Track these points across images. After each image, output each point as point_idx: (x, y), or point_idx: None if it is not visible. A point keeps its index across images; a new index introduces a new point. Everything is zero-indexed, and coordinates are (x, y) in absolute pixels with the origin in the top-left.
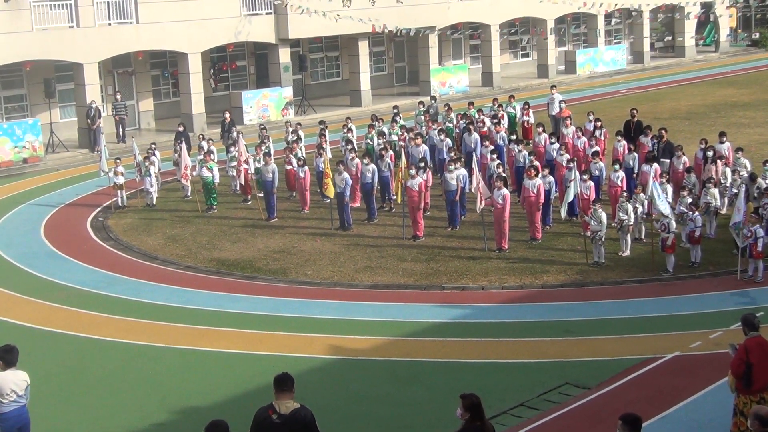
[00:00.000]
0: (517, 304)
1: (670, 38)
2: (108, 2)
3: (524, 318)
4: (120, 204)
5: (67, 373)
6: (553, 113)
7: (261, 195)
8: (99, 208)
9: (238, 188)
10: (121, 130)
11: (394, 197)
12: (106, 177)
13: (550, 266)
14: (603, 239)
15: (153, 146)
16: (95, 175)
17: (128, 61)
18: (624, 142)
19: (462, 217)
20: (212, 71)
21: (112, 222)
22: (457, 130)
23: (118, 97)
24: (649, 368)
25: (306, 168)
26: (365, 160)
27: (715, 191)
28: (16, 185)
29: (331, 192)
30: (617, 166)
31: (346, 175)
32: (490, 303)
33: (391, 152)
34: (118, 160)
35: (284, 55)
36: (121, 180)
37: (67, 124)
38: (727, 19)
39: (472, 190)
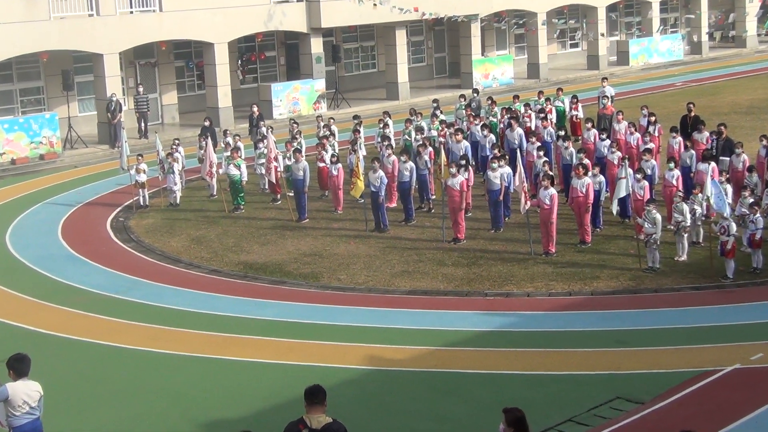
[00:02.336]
0: (564, 313)
1: (730, 25)
2: None
3: (573, 327)
4: (141, 203)
5: (84, 383)
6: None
7: (291, 194)
8: (119, 208)
9: (266, 187)
10: (143, 124)
11: (433, 197)
12: (127, 175)
13: (601, 272)
14: (658, 243)
15: (177, 142)
16: (115, 173)
17: (151, 52)
18: (680, 139)
19: (506, 219)
20: (240, 62)
21: (133, 222)
22: (501, 126)
23: (140, 89)
24: (707, 382)
25: (339, 165)
26: (402, 158)
27: None
28: (33, 183)
29: (357, 192)
30: (672, 165)
31: (381, 173)
32: (535, 311)
33: (430, 149)
34: (139, 157)
35: (316, 45)
36: (142, 178)
37: (86, 119)
38: None
39: (516, 189)
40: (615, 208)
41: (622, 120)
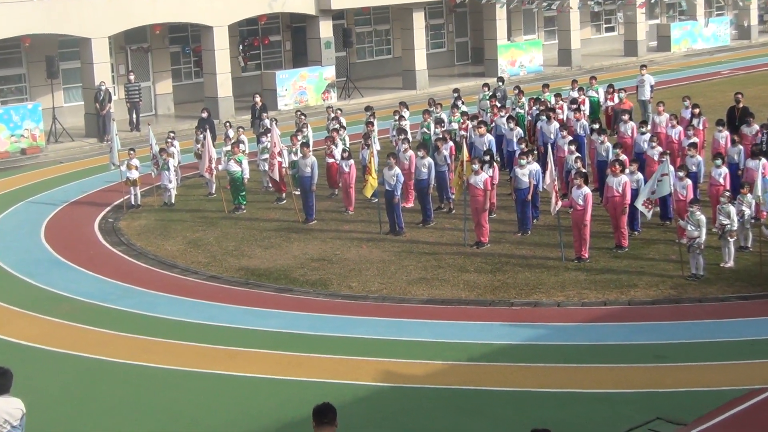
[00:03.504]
0: (598, 324)
1: None
2: None
3: (607, 340)
4: (133, 203)
5: (70, 399)
6: (644, 98)
7: (298, 193)
8: (109, 208)
9: (270, 185)
10: (134, 116)
11: (454, 196)
12: (117, 171)
13: (639, 279)
14: (702, 247)
15: (172, 135)
16: (104, 169)
17: (143, 36)
18: (726, 133)
19: (534, 221)
20: (241, 48)
21: (123, 224)
22: (529, 118)
23: (132, 77)
24: (755, 401)
25: (351, 161)
26: (420, 153)
27: None
28: (13, 180)
29: (369, 191)
30: (719, 161)
31: (397, 170)
32: (567, 322)
33: (450, 143)
34: (131, 152)
35: (325, 29)
36: (134, 175)
37: (72, 109)
38: None
39: (546, 187)
40: (641, 204)
41: (662, 112)
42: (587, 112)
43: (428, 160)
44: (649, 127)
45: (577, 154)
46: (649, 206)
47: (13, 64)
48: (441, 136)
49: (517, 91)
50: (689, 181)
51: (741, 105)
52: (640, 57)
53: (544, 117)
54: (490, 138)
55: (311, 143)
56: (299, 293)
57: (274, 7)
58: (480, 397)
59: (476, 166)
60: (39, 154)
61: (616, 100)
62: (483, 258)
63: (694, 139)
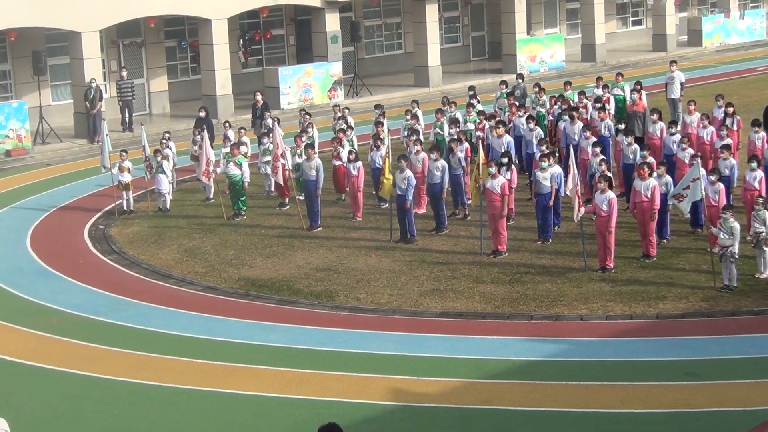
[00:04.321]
0: (624, 339)
1: None
2: None
3: (634, 356)
4: (125, 208)
5: (57, 419)
6: (673, 96)
7: (302, 198)
8: (99, 214)
9: (273, 189)
10: (127, 115)
11: (470, 202)
12: (109, 174)
13: (668, 291)
14: (736, 257)
15: (167, 136)
16: (95, 172)
17: (137, 30)
18: (763, 134)
19: (556, 228)
20: (241, 42)
21: (115, 231)
22: (551, 117)
23: (124, 74)
24: None
25: (359, 164)
26: (433, 155)
27: None
28: None
29: (387, 193)
30: (754, 164)
31: (409, 173)
32: (590, 337)
33: (466, 145)
34: (123, 154)
35: (332, 22)
36: (127, 178)
37: (60, 108)
38: None
39: (568, 192)
40: (671, 197)
41: (694, 111)
42: (612, 112)
43: (442, 162)
44: (679, 127)
45: (602, 157)
46: (681, 199)
47: None
48: (456, 136)
49: (537, 89)
50: (722, 186)
51: None
52: (670, 52)
53: (566, 116)
54: (508, 139)
55: (316, 144)
56: (303, 305)
57: None
58: (497, 417)
59: (493, 170)
60: (25, 156)
61: (644, 99)
62: (500, 268)
63: (728, 141)
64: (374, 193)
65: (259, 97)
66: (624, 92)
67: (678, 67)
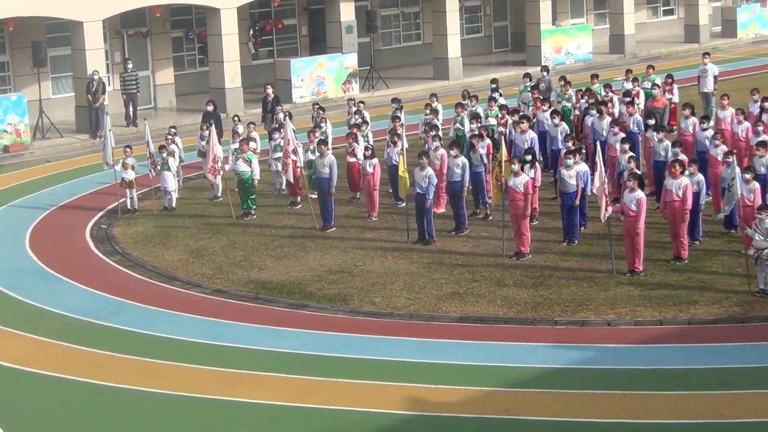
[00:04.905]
0: (654, 346)
1: None
2: None
3: (664, 364)
4: (129, 207)
5: (59, 428)
6: (706, 90)
7: (315, 196)
8: (102, 213)
9: (284, 187)
10: (131, 109)
11: (491, 201)
12: (111, 171)
13: (700, 295)
14: None
15: (173, 131)
16: (97, 169)
17: (142, 20)
18: None
19: (582, 229)
20: (252, 32)
21: (118, 230)
22: (577, 112)
23: (129, 66)
24: None
25: (375, 161)
26: (453, 152)
27: None
28: None
29: (403, 190)
30: None
31: (430, 171)
32: (618, 343)
33: (487, 141)
34: (127, 150)
35: (347, 11)
36: (130, 175)
37: (61, 102)
38: None
39: (595, 191)
40: (725, 209)
41: (727, 106)
42: (642, 106)
43: (462, 159)
44: (712, 123)
45: (631, 154)
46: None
47: None
48: (477, 132)
49: (562, 82)
50: (757, 185)
51: None
52: (703, 44)
53: (593, 111)
54: (532, 135)
55: (330, 140)
56: (316, 309)
57: None
58: (519, 428)
59: (516, 167)
60: (23, 152)
61: (676, 93)
62: (523, 270)
63: (764, 137)
64: (390, 191)
65: (269, 90)
66: (661, 85)
67: (711, 60)
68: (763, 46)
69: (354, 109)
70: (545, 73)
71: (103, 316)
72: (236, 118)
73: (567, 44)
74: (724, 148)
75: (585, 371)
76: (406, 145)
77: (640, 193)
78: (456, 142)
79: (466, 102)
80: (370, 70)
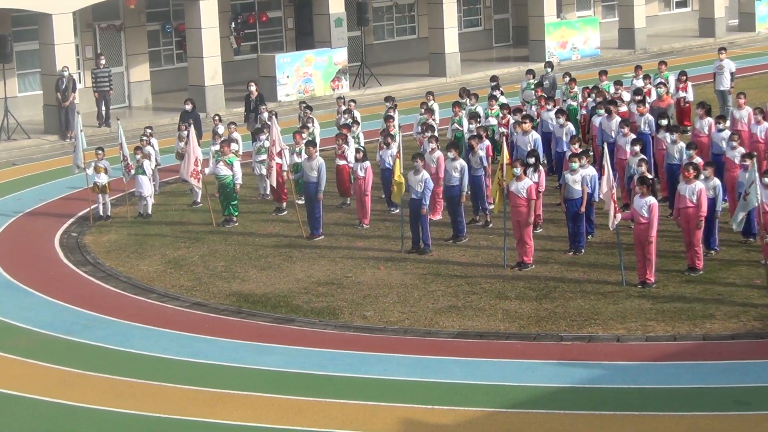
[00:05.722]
0: (667, 363)
1: None
2: None
3: (677, 383)
4: (102, 213)
5: None
6: (722, 88)
7: (301, 202)
8: (72, 220)
9: (268, 192)
10: (103, 108)
11: (492, 207)
12: (83, 175)
13: (716, 309)
14: None
15: (149, 132)
16: (67, 173)
17: (115, 11)
18: None
19: (589, 237)
20: (233, 26)
21: (90, 239)
22: (584, 112)
23: (101, 62)
24: None
25: (367, 164)
26: (450, 154)
27: None
28: None
29: (398, 197)
30: None
31: (425, 174)
32: (628, 360)
33: (487, 142)
34: (99, 152)
35: (336, 3)
36: (103, 179)
37: (28, 100)
38: None
39: (603, 197)
40: (737, 222)
41: (744, 105)
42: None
43: (460, 162)
44: (728, 123)
45: (642, 156)
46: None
47: None
48: (476, 133)
49: (568, 79)
50: None
51: None
52: (718, 38)
53: (601, 111)
54: (535, 136)
55: (318, 142)
56: (303, 324)
57: None
58: None
59: (518, 171)
60: None
61: (690, 91)
62: (526, 282)
63: None
64: (383, 196)
65: (253, 87)
66: (668, 83)
67: (728, 55)
68: None
69: (344, 108)
70: (549, 70)
71: (73, 331)
72: (217, 118)
73: (573, 38)
74: (741, 150)
75: (593, 391)
76: (400, 147)
77: (651, 199)
78: (454, 144)
79: (464, 101)
80: (361, 67)
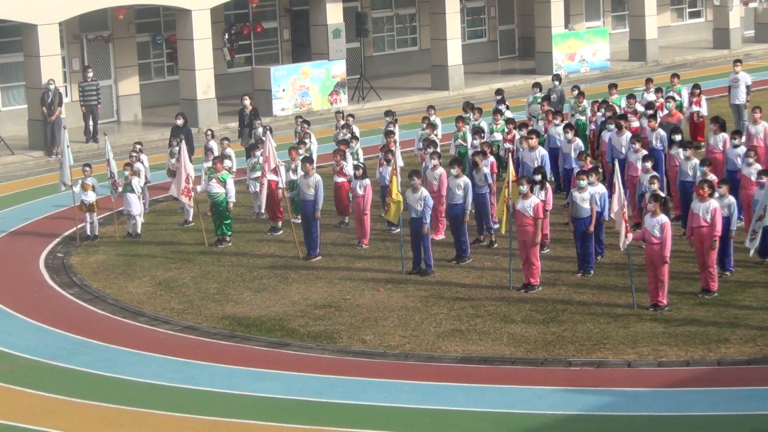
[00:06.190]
0: (680, 390)
1: None
2: None
3: (691, 410)
4: (89, 233)
5: None
6: (737, 101)
7: (298, 221)
8: (58, 240)
9: (263, 210)
10: (91, 123)
11: (497, 226)
12: (69, 193)
13: (732, 332)
14: None
15: (138, 147)
16: (53, 190)
17: (104, 22)
18: None
19: (598, 258)
20: (227, 37)
21: (76, 260)
22: (593, 127)
23: (89, 74)
24: None
25: (366, 181)
26: (454, 171)
27: None
28: None
29: (393, 216)
30: None
31: (424, 192)
32: (640, 387)
33: (492, 159)
34: (86, 169)
35: (334, 14)
36: (91, 198)
37: (12, 115)
38: None
39: (613, 216)
40: (753, 243)
41: (760, 119)
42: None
43: (464, 179)
44: (743, 138)
45: (654, 173)
46: (754, 236)
47: None
48: (480, 149)
49: (576, 93)
50: None
51: None
52: (734, 50)
53: (611, 126)
54: (542, 152)
55: (315, 158)
56: (299, 349)
57: None
58: None
59: (525, 188)
60: None
61: (704, 105)
62: (533, 305)
63: None
64: (383, 215)
65: (247, 101)
66: (680, 97)
67: (743, 68)
68: None
69: (342, 122)
70: (557, 83)
71: (58, 356)
72: (209, 133)
73: (581, 50)
74: (758, 166)
75: (602, 418)
76: (401, 164)
77: (663, 218)
78: (457, 160)
79: (468, 115)
80: (360, 80)
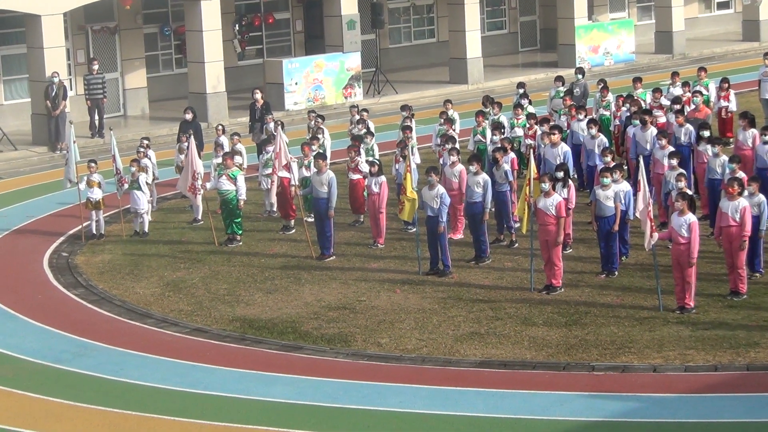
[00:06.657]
0: (708, 396)
1: None
2: None
3: (720, 417)
4: (95, 232)
5: None
6: (767, 97)
7: (311, 219)
8: (62, 238)
9: (275, 208)
10: (97, 117)
11: (517, 225)
12: (75, 190)
13: (762, 336)
14: None
15: (145, 143)
16: (58, 187)
17: (109, 13)
18: None
19: (623, 258)
20: (238, 28)
21: (81, 259)
22: (617, 122)
23: (94, 67)
24: None
25: (382, 178)
26: (473, 167)
27: None
28: None
29: (407, 214)
30: None
31: (441, 189)
32: (666, 393)
33: (512, 155)
34: (92, 165)
35: (348, 4)
36: (97, 195)
37: (15, 109)
38: None
39: (638, 214)
40: None
41: None
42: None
43: (483, 177)
44: None
45: (680, 170)
46: None
47: None
48: (500, 145)
49: (600, 87)
50: None
51: None
52: (764, 42)
53: (636, 121)
54: (565, 148)
55: (329, 154)
56: (312, 352)
57: None
58: None
59: (547, 186)
60: None
61: (733, 100)
62: (555, 307)
63: None
64: (398, 214)
65: (258, 95)
66: (708, 92)
67: None
68: None
69: (357, 117)
70: (580, 76)
71: (63, 359)
72: (219, 128)
73: (606, 42)
74: None
75: (627, 425)
76: (418, 161)
77: (691, 217)
78: (476, 157)
79: (487, 110)
80: (375, 73)
